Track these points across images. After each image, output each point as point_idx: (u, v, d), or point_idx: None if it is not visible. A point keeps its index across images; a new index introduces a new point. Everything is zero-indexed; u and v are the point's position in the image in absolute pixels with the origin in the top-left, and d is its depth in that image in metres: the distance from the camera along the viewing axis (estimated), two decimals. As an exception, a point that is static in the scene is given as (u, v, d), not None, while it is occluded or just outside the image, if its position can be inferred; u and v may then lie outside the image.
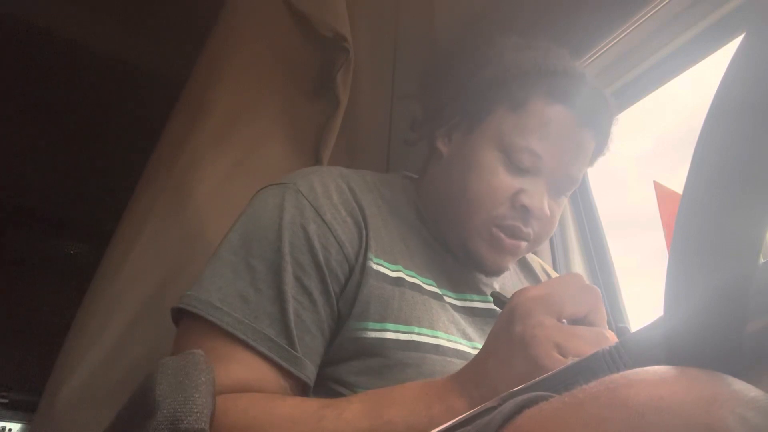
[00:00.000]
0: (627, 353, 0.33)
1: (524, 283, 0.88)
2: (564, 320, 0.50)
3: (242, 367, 0.56)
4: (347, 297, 0.64)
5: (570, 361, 0.37)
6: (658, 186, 0.86)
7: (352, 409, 0.51)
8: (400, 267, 0.68)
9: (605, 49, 0.99)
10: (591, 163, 0.76)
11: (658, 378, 0.22)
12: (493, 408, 0.37)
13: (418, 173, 0.85)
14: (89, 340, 0.85)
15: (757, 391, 0.20)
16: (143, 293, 0.89)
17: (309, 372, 0.60)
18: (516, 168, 0.69)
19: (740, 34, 0.23)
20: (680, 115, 1.14)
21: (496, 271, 0.74)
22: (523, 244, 0.70)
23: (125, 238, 0.93)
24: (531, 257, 0.94)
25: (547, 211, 0.69)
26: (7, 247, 2.63)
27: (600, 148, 0.75)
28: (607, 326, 0.51)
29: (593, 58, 1.02)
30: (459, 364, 0.62)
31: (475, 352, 0.67)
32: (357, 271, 0.64)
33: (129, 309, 0.88)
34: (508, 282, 0.84)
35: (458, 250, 0.74)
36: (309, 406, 0.53)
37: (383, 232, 0.70)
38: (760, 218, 0.21)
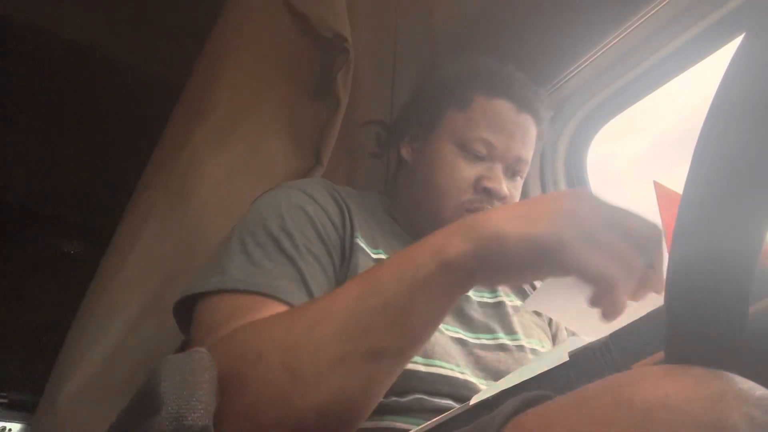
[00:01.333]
0: (616, 348, 0.33)
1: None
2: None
3: (267, 312, 0.55)
4: (342, 272, 0.69)
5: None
6: (658, 186, 0.86)
7: (345, 285, 0.50)
8: (381, 251, 0.74)
9: (605, 49, 0.99)
10: (538, 147, 0.87)
11: (663, 376, 0.22)
12: (488, 404, 0.37)
13: (387, 188, 0.96)
14: (89, 340, 0.86)
15: (762, 390, 0.20)
16: (143, 293, 0.89)
17: None
18: (473, 157, 0.79)
19: (740, 34, 0.23)
20: (680, 115, 1.14)
21: None
22: None
23: (125, 238, 0.93)
24: None
25: (506, 191, 0.78)
26: (6, 246, 2.63)
27: (542, 133, 0.86)
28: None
29: (594, 58, 1.02)
30: (439, 336, 0.68)
31: (450, 332, 0.71)
32: (347, 249, 0.70)
33: (129, 309, 0.88)
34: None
35: None
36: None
37: (365, 225, 0.76)
38: (760, 216, 0.21)
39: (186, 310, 0.64)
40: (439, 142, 0.82)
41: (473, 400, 0.42)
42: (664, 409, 0.20)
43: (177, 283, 0.89)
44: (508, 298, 0.84)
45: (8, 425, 2.46)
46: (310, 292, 0.60)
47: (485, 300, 0.81)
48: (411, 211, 0.85)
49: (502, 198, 0.78)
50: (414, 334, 0.46)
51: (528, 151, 0.83)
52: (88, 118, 2.16)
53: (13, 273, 2.62)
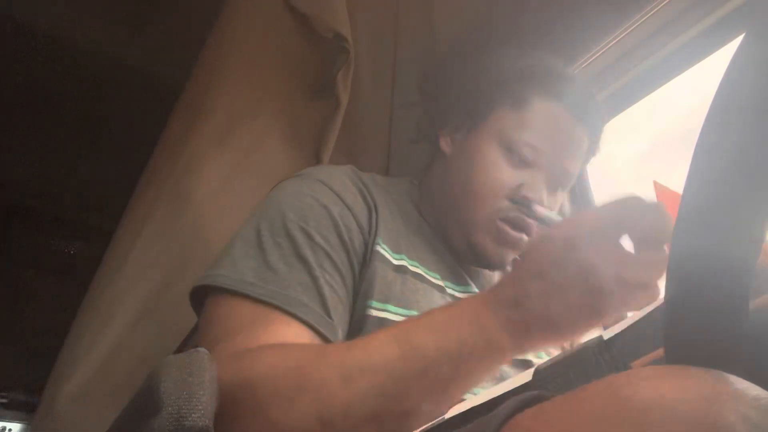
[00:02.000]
0: (616, 347, 0.33)
1: None
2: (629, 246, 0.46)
3: (280, 328, 0.55)
4: (360, 278, 0.65)
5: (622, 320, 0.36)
6: (657, 186, 0.85)
7: (379, 337, 0.49)
8: (403, 256, 0.70)
9: (606, 48, 1.00)
10: (586, 160, 0.81)
11: (660, 377, 0.22)
12: (487, 404, 0.37)
13: (419, 177, 0.88)
14: (89, 340, 0.86)
15: (758, 390, 0.20)
16: (143, 293, 0.89)
17: (340, 341, 0.59)
18: (517, 162, 0.73)
19: (740, 34, 0.23)
20: (680, 115, 1.14)
21: (499, 264, 0.76)
22: (525, 237, 0.73)
23: (125, 238, 0.94)
24: None
25: (545, 204, 0.72)
26: (7, 246, 2.63)
27: (593, 147, 0.80)
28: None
29: (593, 57, 1.02)
30: None
31: None
32: (368, 254, 0.66)
33: (129, 309, 0.88)
34: None
35: (462, 246, 0.76)
36: (337, 343, 0.56)
37: (390, 224, 0.71)
38: (760, 216, 0.21)
39: (200, 294, 0.62)
40: (483, 138, 0.75)
41: (469, 402, 0.42)
42: (661, 410, 0.20)
43: (177, 282, 0.89)
44: None
45: (8, 425, 2.46)
46: (324, 305, 0.58)
47: None
48: (440, 208, 0.79)
49: (539, 211, 0.72)
50: (452, 397, 0.46)
51: (576, 166, 0.76)
52: (89, 118, 2.16)
53: (14, 273, 2.62)
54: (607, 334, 0.35)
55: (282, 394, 0.47)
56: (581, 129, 0.76)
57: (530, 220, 0.72)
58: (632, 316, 0.35)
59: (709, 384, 0.20)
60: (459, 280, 0.76)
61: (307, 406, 0.46)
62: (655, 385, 0.21)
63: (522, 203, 0.71)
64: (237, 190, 0.97)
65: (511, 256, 0.75)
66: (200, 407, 0.39)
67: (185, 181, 0.95)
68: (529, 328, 0.46)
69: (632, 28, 0.94)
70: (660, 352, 0.28)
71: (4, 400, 2.50)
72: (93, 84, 1.99)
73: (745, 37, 0.22)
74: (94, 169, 2.37)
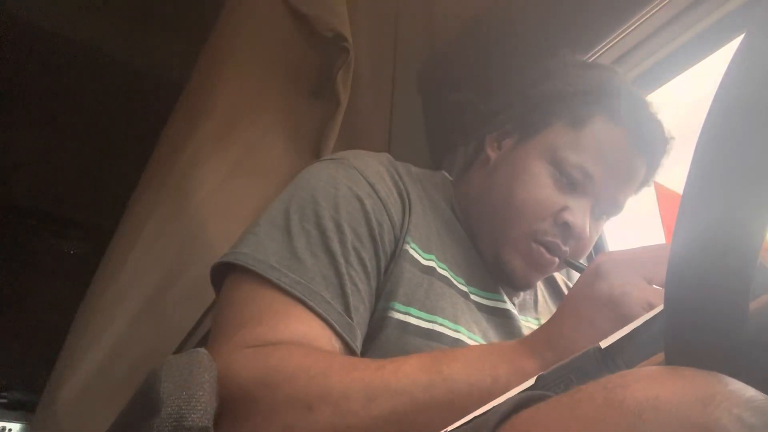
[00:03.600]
0: (619, 351, 0.33)
1: (546, 299, 0.87)
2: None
3: (300, 324, 0.54)
4: (386, 277, 0.63)
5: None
6: (658, 186, 0.85)
7: (410, 363, 0.49)
8: (433, 257, 0.68)
9: (605, 49, 1.00)
10: (637, 191, 0.76)
11: (655, 378, 0.22)
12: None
13: (455, 175, 0.85)
14: (89, 340, 0.86)
15: (753, 391, 0.20)
16: (143, 293, 0.89)
17: (359, 343, 0.58)
18: (564, 184, 0.69)
19: (740, 34, 0.23)
20: (679, 115, 1.14)
21: (524, 286, 0.74)
22: (557, 261, 0.70)
23: (125, 238, 0.94)
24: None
25: (587, 232, 0.69)
26: (7, 246, 2.63)
27: (648, 178, 0.75)
28: None
29: (593, 58, 1.02)
30: None
31: None
32: (398, 251, 0.64)
33: (129, 309, 0.88)
34: (528, 296, 0.83)
35: (489, 259, 0.73)
36: (366, 359, 0.54)
37: (422, 221, 0.69)
38: (760, 217, 0.21)
39: (221, 272, 0.61)
40: (534, 152, 0.71)
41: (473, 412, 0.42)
42: (655, 411, 0.20)
43: (177, 282, 0.89)
44: (536, 322, 0.80)
45: (8, 425, 2.47)
46: (346, 305, 0.57)
47: (503, 308, 0.75)
48: (474, 214, 0.76)
49: (580, 238, 0.69)
50: None
51: (627, 196, 0.73)
52: (89, 118, 2.17)
53: (14, 273, 2.62)
54: (610, 340, 0.35)
55: (303, 401, 0.46)
56: (641, 158, 0.71)
57: (565, 247, 0.69)
58: (635, 321, 0.35)
59: (704, 385, 0.20)
60: (486, 287, 0.73)
61: (325, 418, 0.46)
62: (649, 386, 0.21)
63: (561, 228, 0.68)
64: (237, 190, 0.97)
65: (538, 278, 0.73)
66: (200, 407, 0.39)
67: (185, 181, 0.95)
68: (560, 360, 0.46)
69: (632, 28, 0.94)
70: (662, 355, 0.28)
71: (4, 400, 2.50)
72: (93, 83, 1.99)
73: (745, 37, 0.22)
74: (94, 169, 2.37)
